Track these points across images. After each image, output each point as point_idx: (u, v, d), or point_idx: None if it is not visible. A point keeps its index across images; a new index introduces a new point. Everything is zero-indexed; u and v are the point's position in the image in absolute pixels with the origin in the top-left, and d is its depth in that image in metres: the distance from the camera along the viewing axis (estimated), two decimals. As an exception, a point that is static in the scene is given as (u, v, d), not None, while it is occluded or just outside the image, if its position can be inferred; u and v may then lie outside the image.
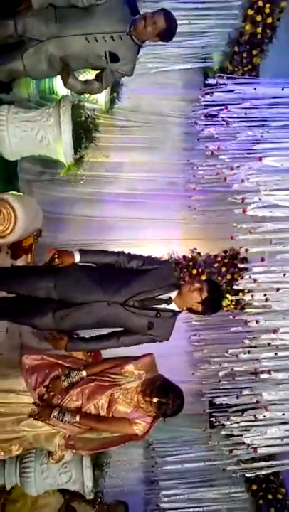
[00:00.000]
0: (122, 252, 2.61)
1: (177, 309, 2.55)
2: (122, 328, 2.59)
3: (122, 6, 2.81)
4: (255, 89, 3.89)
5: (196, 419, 4.83)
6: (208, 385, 4.64)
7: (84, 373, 2.59)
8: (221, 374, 4.37)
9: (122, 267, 2.56)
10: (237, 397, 4.12)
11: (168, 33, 2.87)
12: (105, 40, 2.81)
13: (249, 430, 3.87)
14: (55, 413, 2.49)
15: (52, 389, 2.55)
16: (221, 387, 4.46)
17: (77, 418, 2.51)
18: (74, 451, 2.74)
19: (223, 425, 4.19)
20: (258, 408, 3.94)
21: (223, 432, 4.29)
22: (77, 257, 2.51)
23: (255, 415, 3.87)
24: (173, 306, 2.54)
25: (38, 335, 3.47)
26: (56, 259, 2.50)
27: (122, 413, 2.56)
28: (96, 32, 2.79)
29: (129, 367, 2.59)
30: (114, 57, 2.87)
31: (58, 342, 2.55)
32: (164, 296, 2.52)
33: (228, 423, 4.05)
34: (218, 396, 4.41)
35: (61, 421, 2.49)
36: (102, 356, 2.89)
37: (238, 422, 3.96)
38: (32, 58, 2.84)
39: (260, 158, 3.50)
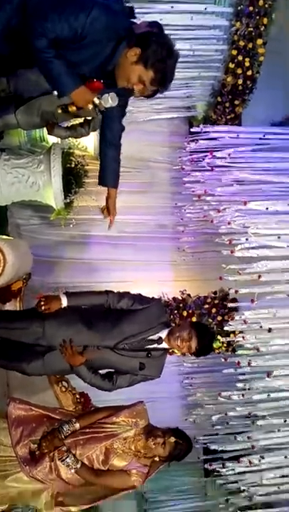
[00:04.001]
0: (111, 292, 2.56)
1: (168, 347, 2.56)
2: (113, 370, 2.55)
3: None
4: (238, 136, 4.06)
5: (191, 467, 4.65)
6: (202, 430, 4.51)
7: (77, 425, 2.45)
8: (214, 418, 4.27)
9: (111, 308, 2.53)
10: (232, 442, 4.01)
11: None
12: None
13: (245, 477, 3.75)
14: (60, 452, 2.36)
15: (46, 447, 2.39)
16: (215, 433, 4.35)
17: (79, 465, 2.37)
18: (64, 508, 2.55)
19: (218, 473, 4.05)
20: (253, 454, 3.83)
21: (218, 481, 4.14)
22: (64, 302, 2.46)
23: (250, 460, 3.76)
24: (163, 345, 2.54)
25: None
26: (43, 305, 2.45)
27: (119, 466, 2.45)
28: None
29: (124, 415, 2.48)
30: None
31: (76, 356, 2.42)
32: (155, 337, 2.50)
33: (224, 470, 3.92)
34: (213, 442, 4.28)
35: (62, 461, 2.36)
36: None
37: (233, 469, 3.83)
38: (25, 113, 2.92)
39: (245, 202, 3.61)
